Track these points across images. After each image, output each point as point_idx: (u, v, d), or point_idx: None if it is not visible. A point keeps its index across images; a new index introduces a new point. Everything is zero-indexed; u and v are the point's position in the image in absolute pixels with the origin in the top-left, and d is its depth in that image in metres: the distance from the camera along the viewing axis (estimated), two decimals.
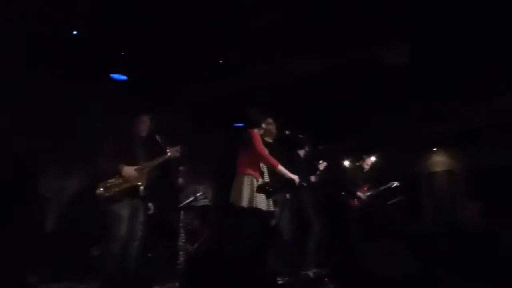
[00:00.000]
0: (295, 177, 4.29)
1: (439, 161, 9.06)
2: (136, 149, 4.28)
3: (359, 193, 6.24)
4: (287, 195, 4.78)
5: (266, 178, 4.31)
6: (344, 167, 5.95)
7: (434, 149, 9.05)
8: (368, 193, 6.37)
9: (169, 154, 4.37)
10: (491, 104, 6.98)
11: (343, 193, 6.17)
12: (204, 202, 5.32)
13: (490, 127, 7.61)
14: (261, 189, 4.05)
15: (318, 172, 5.38)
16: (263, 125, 4.41)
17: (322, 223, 5.10)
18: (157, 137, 4.41)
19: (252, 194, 4.03)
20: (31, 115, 4.86)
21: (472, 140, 8.03)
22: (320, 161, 5.47)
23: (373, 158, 6.83)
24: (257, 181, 4.12)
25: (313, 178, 5.43)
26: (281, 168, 4.24)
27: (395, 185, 6.57)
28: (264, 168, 4.30)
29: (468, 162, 8.52)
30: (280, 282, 4.00)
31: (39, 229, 4.80)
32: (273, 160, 4.23)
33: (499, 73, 5.91)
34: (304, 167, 5.03)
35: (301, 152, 5.18)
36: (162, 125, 4.83)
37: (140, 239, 4.19)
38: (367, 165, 6.43)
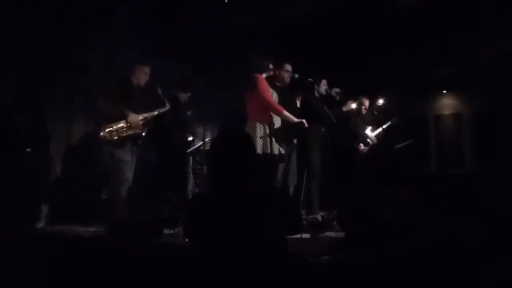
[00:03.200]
0: (302, 120, 4.24)
1: (448, 104, 8.90)
2: (135, 97, 4.24)
3: (368, 134, 6.19)
4: (295, 140, 4.75)
5: (278, 122, 4.25)
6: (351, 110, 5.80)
7: (444, 92, 8.86)
8: (373, 134, 6.31)
9: (168, 107, 4.32)
10: (502, 46, 6.74)
11: (348, 136, 6.12)
12: None
13: (500, 70, 7.39)
14: (273, 134, 4.00)
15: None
16: (281, 71, 4.29)
17: (326, 167, 5.09)
18: (158, 90, 4.35)
19: (265, 140, 3.98)
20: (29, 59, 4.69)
21: (481, 82, 7.83)
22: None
23: (380, 101, 6.72)
24: (269, 126, 4.06)
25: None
26: (286, 113, 4.16)
27: (394, 120, 6.49)
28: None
29: (477, 105, 8.37)
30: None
31: (48, 172, 4.80)
32: (277, 106, 4.14)
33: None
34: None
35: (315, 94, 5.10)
36: (163, 75, 4.71)
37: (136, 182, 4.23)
38: (364, 105, 6.29)
